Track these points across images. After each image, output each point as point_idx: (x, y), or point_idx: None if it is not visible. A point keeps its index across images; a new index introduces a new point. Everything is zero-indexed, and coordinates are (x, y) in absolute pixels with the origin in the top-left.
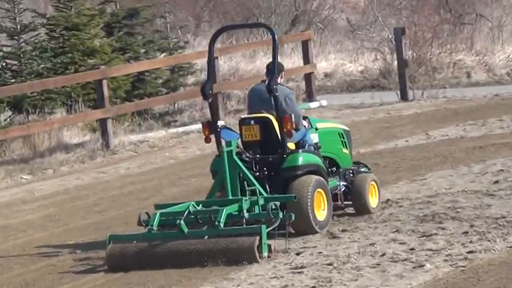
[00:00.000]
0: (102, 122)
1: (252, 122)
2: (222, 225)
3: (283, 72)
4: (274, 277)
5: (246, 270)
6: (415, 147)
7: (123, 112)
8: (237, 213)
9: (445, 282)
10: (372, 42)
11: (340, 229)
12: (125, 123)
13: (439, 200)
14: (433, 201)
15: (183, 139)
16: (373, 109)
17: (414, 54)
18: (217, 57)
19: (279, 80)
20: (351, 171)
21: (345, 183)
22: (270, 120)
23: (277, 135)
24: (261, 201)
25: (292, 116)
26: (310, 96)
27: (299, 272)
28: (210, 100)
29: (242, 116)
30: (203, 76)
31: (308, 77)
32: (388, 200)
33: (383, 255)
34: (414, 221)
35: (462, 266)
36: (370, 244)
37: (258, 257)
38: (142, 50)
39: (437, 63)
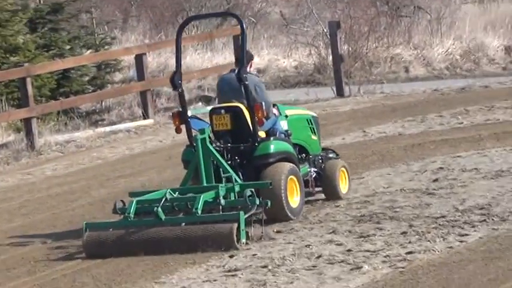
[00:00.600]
0: (27, 122)
1: (223, 111)
2: (199, 212)
3: (252, 61)
4: (207, 280)
5: (177, 273)
6: (351, 145)
7: (48, 111)
8: (213, 200)
9: (383, 284)
10: (307, 36)
11: (275, 230)
12: (50, 122)
13: (377, 199)
14: (370, 200)
15: (111, 138)
16: (308, 105)
17: (350, 49)
18: (145, 54)
19: (248, 69)
20: (320, 157)
21: (316, 170)
22: (241, 109)
23: (247, 124)
24: (237, 188)
25: (263, 104)
26: None
27: (233, 275)
28: (179, 90)
29: (213, 106)
30: (131, 73)
31: None
32: (324, 199)
33: (319, 257)
34: (351, 221)
35: (401, 267)
36: (306, 246)
37: (236, 243)
38: (68, 47)
39: (374, 57)
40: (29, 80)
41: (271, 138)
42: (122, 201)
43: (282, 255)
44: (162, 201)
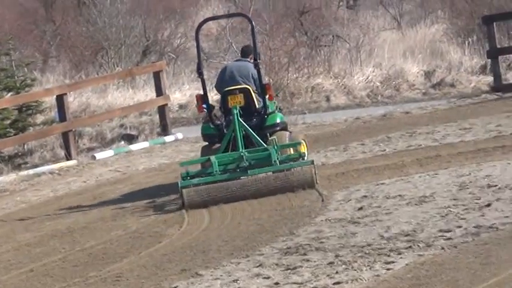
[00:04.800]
0: None
1: (237, 91)
2: (278, 163)
3: (251, 55)
4: None
5: None
6: None
7: None
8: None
9: None
10: None
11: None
12: None
13: (302, 230)
14: (296, 232)
15: (34, 181)
16: None
17: (271, 80)
18: (66, 94)
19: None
20: None
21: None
22: (249, 90)
23: (253, 101)
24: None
25: (271, 83)
26: (165, 130)
27: None
28: (203, 77)
29: (227, 88)
30: (52, 114)
31: (162, 110)
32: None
33: None
34: (277, 253)
35: None
36: (234, 281)
37: (316, 183)
38: None
39: (295, 88)
40: None
41: (276, 112)
42: (186, 170)
43: None
44: (245, 158)
